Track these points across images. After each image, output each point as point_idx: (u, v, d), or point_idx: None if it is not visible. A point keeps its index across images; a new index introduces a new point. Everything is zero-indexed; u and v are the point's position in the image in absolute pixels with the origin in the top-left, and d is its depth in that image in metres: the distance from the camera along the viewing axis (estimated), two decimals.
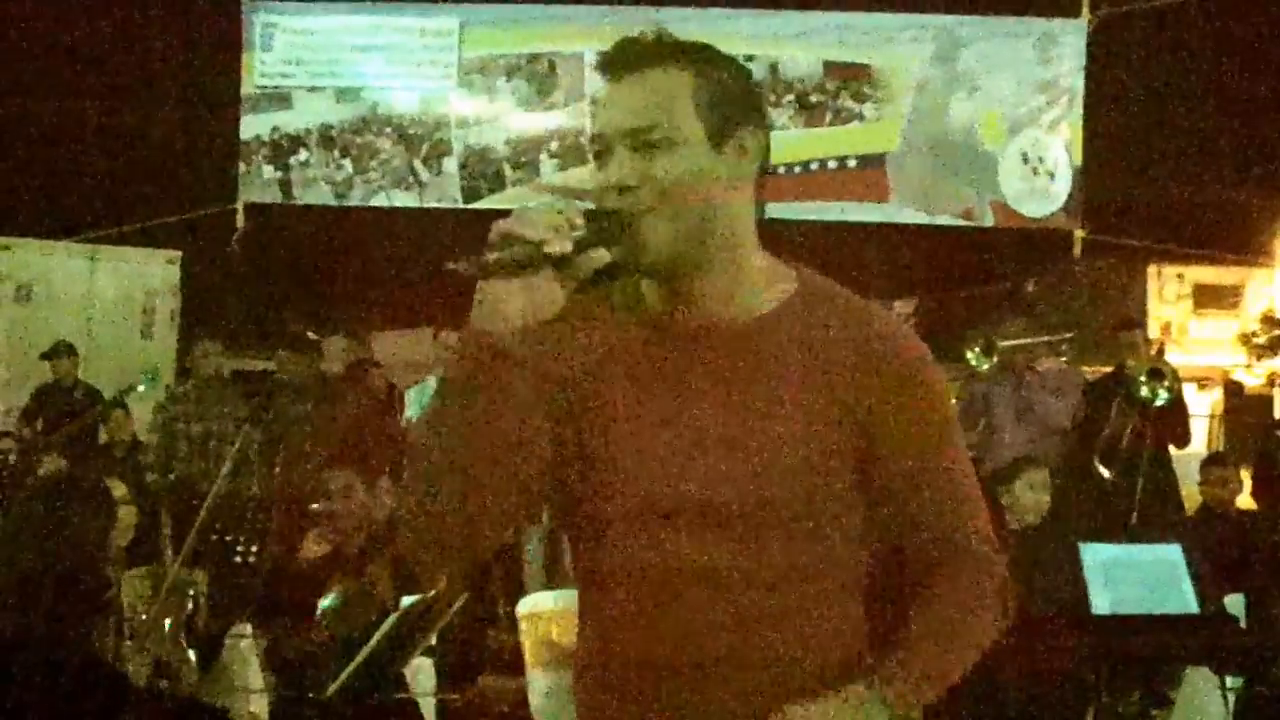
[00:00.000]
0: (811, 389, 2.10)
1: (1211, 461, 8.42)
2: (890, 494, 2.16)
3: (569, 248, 1.97)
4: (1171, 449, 8.59)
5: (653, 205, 2.07)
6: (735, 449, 2.09)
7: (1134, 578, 5.69)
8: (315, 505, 6.10)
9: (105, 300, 12.20)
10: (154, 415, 9.22)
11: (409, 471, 2.08)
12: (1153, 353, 8.49)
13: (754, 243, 2.20)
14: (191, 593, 5.70)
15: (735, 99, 2.15)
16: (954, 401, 8.62)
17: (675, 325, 2.15)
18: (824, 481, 2.10)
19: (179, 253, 12.51)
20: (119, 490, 5.99)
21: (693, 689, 2.09)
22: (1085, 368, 9.51)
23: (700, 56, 2.15)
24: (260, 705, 5.96)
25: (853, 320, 2.16)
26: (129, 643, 5.40)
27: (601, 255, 2.01)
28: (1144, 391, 7.99)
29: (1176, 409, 8.41)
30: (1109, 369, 9.02)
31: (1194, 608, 5.66)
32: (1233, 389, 10.24)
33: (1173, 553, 5.82)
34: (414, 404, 8.83)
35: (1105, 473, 8.03)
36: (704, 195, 2.10)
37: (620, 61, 2.14)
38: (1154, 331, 12.79)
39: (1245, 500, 8.61)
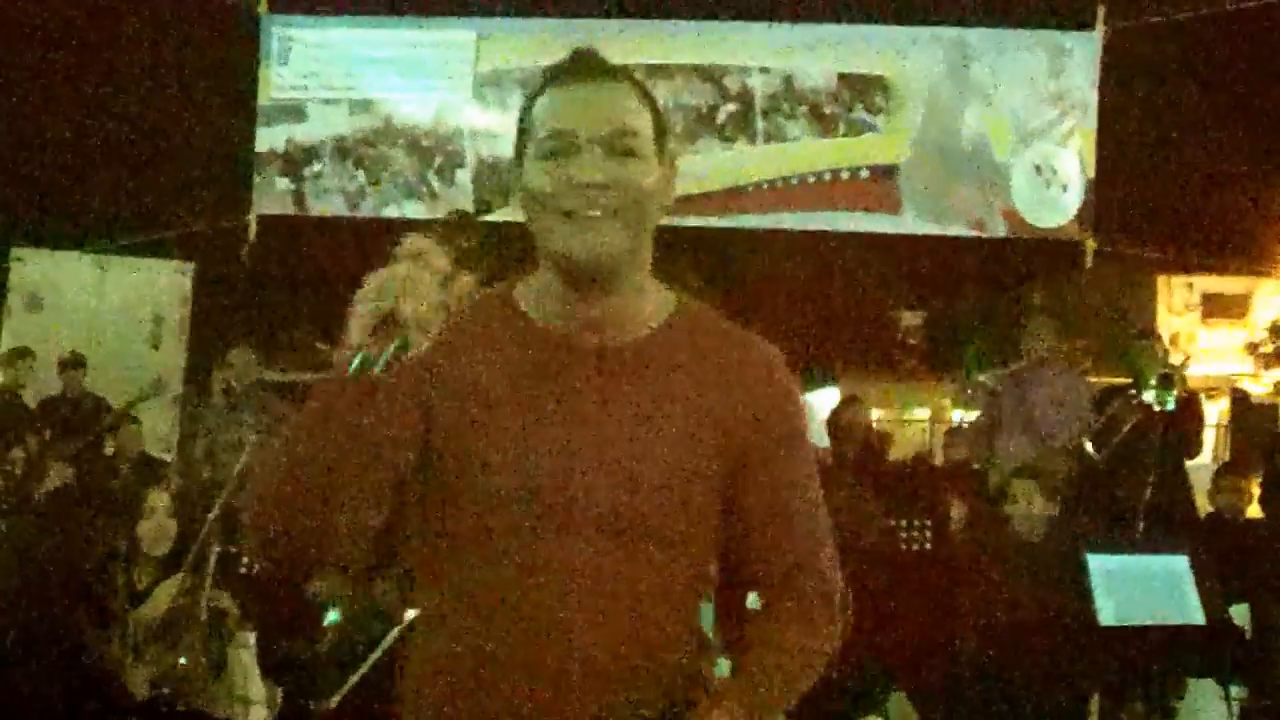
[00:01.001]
0: (684, 410, 2.17)
1: (1225, 471, 8.41)
2: (746, 519, 2.23)
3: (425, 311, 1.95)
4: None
5: (618, 208, 2.11)
6: (607, 463, 2.13)
7: (1140, 588, 5.69)
8: None
9: (114, 310, 12.24)
10: (184, 424, 9.24)
11: (269, 457, 2.05)
12: (1176, 363, 8.45)
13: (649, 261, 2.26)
14: (212, 604, 5.70)
15: (667, 127, 2.23)
16: (960, 413, 8.61)
17: (562, 336, 2.19)
18: (690, 500, 2.16)
19: (189, 263, 12.55)
20: (161, 501, 6.02)
21: (545, 692, 2.12)
22: (1095, 378, 9.48)
23: (637, 79, 2.23)
24: (261, 715, 5.98)
25: (727, 346, 2.23)
26: (134, 652, 5.41)
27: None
28: (1152, 396, 7.98)
29: (1191, 417, 8.39)
30: (1121, 379, 8.99)
31: (1199, 619, 5.65)
32: (1240, 398, 10.22)
33: (1179, 563, 5.81)
34: None
35: (1093, 451, 7.99)
36: (655, 208, 2.17)
37: (590, 67, 2.19)
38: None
39: (1252, 509, 8.59)
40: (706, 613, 2.29)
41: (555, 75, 2.19)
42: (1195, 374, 9.21)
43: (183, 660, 5.43)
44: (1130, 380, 8.63)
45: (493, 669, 2.13)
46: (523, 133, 2.21)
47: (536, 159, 2.15)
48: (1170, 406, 7.93)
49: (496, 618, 2.13)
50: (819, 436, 8.65)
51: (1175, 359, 8.71)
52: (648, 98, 2.20)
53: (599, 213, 2.10)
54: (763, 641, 2.23)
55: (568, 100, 2.16)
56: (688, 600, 2.21)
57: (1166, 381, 8.03)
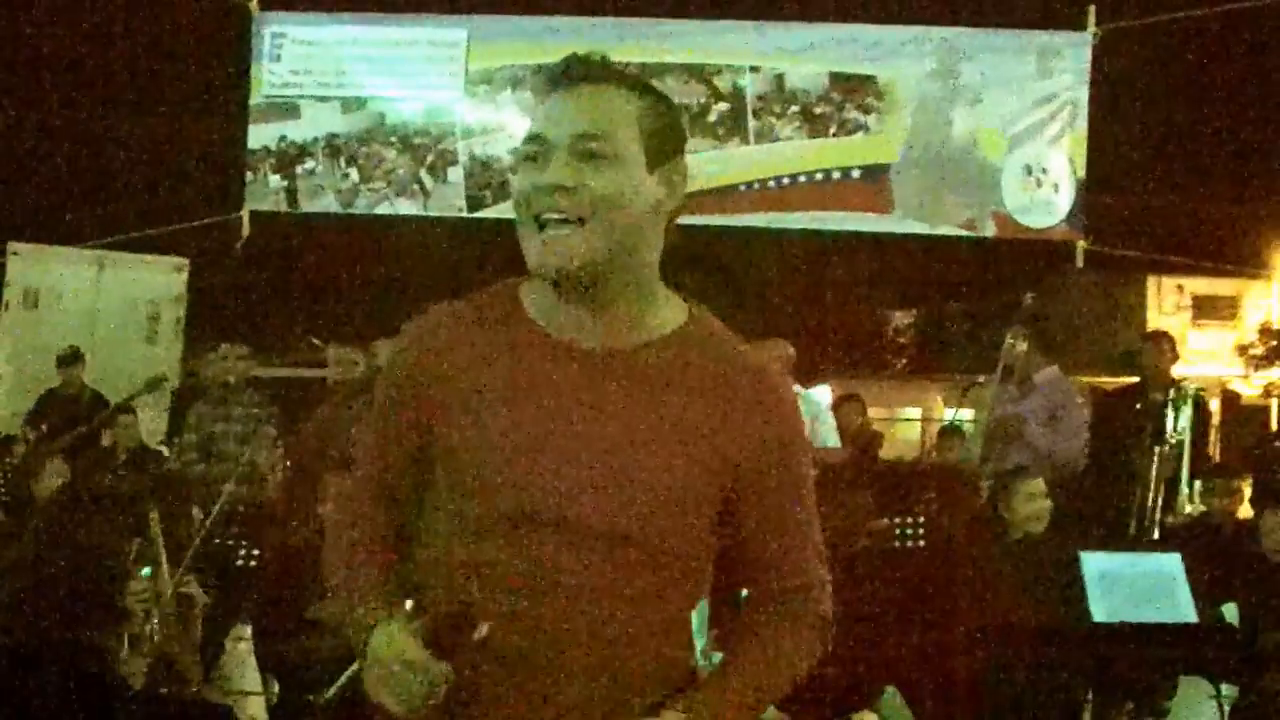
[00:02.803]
0: (685, 420, 2.16)
1: (1216, 472, 8.44)
2: (744, 533, 2.24)
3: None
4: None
5: (584, 213, 2.10)
6: (605, 469, 2.13)
7: (1133, 586, 5.69)
8: (320, 511, 6.13)
9: (111, 306, 12.22)
10: (177, 419, 9.24)
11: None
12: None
13: (656, 271, 2.23)
14: (192, 595, 5.71)
15: (670, 130, 2.21)
16: (956, 413, 8.63)
17: (564, 341, 2.19)
18: (685, 510, 2.16)
19: (185, 260, 12.54)
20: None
21: (532, 693, 2.14)
22: (1087, 378, 9.50)
23: (642, 84, 2.22)
24: (258, 707, 5.99)
25: (733, 361, 2.22)
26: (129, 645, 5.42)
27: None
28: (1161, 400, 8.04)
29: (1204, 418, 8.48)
30: (1113, 379, 9.00)
31: (1192, 617, 5.67)
32: (1230, 399, 10.28)
33: (1171, 562, 5.82)
34: None
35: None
36: (633, 214, 2.14)
37: (571, 74, 2.17)
38: None
39: (1243, 510, 8.62)
40: (701, 608, 2.32)
41: (546, 80, 2.18)
42: (1185, 375, 9.24)
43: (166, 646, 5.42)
44: (1136, 381, 8.68)
45: (489, 673, 2.13)
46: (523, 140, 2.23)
47: (518, 164, 2.16)
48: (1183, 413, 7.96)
49: (490, 619, 2.13)
50: (832, 436, 8.66)
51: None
52: (641, 100, 2.18)
53: (562, 216, 2.10)
54: (752, 645, 2.26)
55: (546, 106, 2.16)
56: (679, 606, 2.21)
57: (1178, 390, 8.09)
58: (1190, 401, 8.09)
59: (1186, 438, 8.13)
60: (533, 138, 2.14)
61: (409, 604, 2.11)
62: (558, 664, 2.13)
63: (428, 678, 2.06)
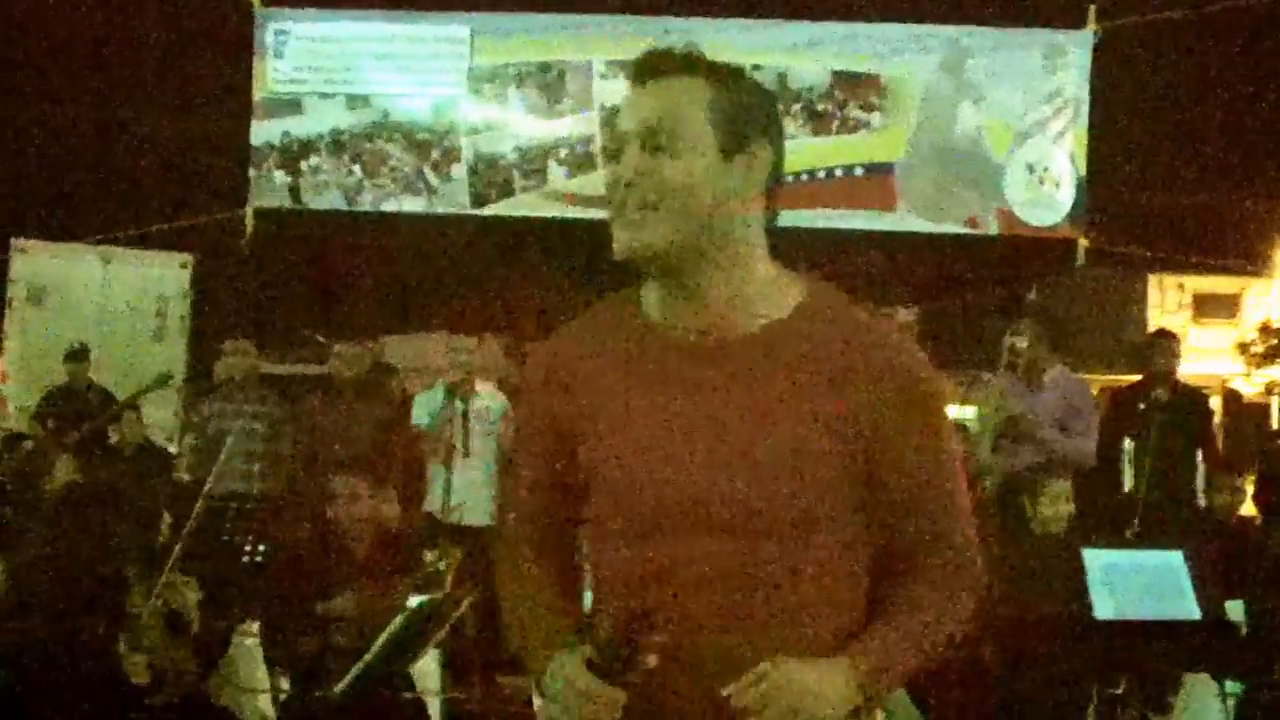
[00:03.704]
0: (815, 400, 2.18)
1: (1219, 469, 8.46)
2: (890, 503, 2.25)
3: None
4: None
5: (654, 202, 2.16)
6: (739, 458, 2.17)
7: (1137, 583, 5.71)
8: (328, 509, 6.15)
9: (117, 303, 12.24)
10: (186, 415, 9.26)
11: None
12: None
13: (762, 252, 2.28)
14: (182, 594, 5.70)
15: (751, 114, 2.23)
16: (959, 410, 8.64)
17: (679, 334, 2.23)
18: (825, 491, 2.19)
19: (191, 256, 12.56)
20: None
21: (690, 688, 2.16)
22: (1088, 375, 9.51)
23: (721, 71, 2.24)
24: (266, 704, 6.01)
25: (859, 333, 2.24)
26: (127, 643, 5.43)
27: None
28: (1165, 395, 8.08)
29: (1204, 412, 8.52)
30: (1114, 377, 9.01)
31: (1196, 614, 5.69)
32: (1231, 397, 10.29)
33: (1175, 559, 5.84)
34: (422, 409, 8.83)
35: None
36: (708, 201, 2.18)
37: (645, 69, 2.23)
38: None
39: (1246, 507, 8.65)
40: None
41: (628, 77, 2.26)
42: (1186, 373, 9.27)
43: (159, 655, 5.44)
44: (1139, 379, 8.70)
45: (660, 682, 2.15)
46: None
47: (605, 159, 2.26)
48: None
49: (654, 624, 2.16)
50: None
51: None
52: (714, 89, 2.20)
53: (634, 206, 2.16)
54: (913, 608, 2.27)
55: (623, 106, 2.24)
56: (837, 582, 2.23)
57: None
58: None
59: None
60: (613, 134, 2.21)
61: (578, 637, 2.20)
62: (705, 659, 2.16)
63: (599, 705, 2.11)
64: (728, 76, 2.24)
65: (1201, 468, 8.71)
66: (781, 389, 2.18)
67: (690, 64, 2.22)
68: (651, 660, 2.10)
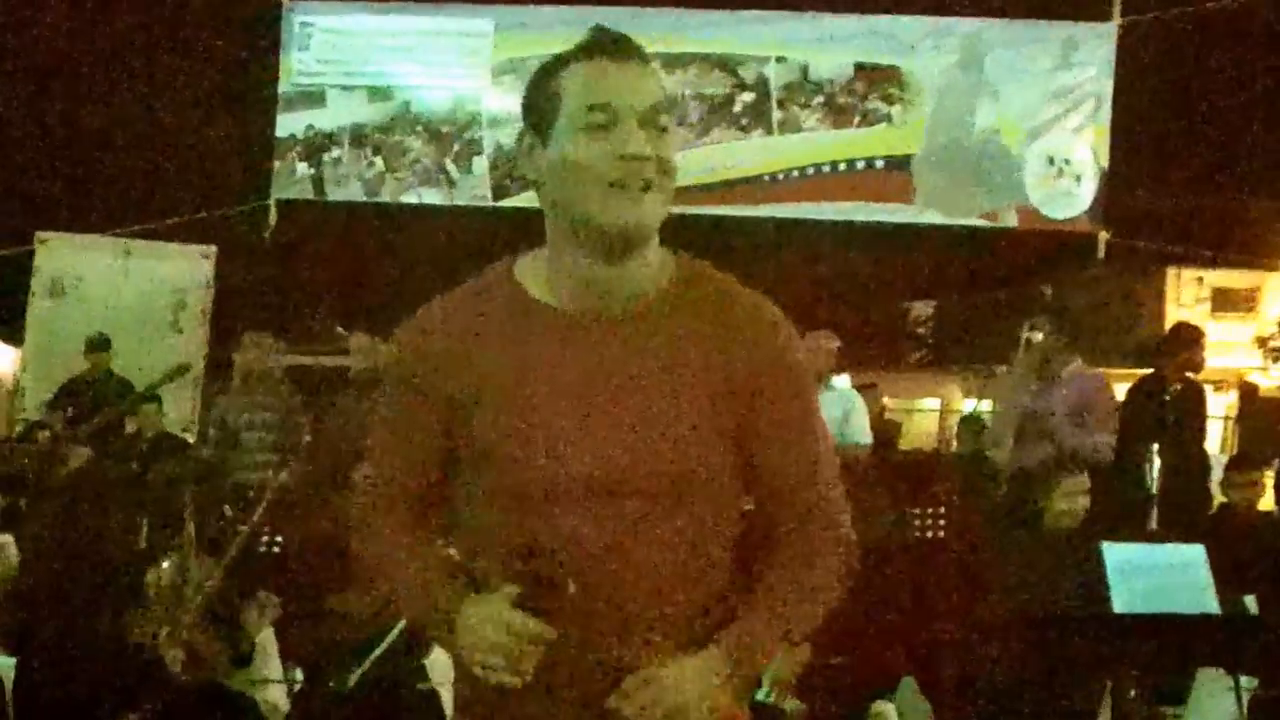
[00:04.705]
0: (691, 370, 2.26)
1: (1236, 464, 8.43)
2: (760, 466, 2.32)
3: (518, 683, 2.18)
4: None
5: (652, 181, 2.20)
6: (625, 429, 2.23)
7: (1155, 577, 5.70)
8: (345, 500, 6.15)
9: (137, 295, 12.29)
10: (205, 407, 9.29)
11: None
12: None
13: None
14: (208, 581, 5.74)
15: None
16: (976, 404, 8.63)
17: (564, 313, 2.28)
18: (706, 457, 2.26)
19: (212, 248, 12.60)
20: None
21: (576, 654, 2.22)
22: (1105, 370, 9.48)
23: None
24: (280, 695, 6.04)
25: (727, 304, 2.31)
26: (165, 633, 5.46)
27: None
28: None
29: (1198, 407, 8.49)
30: (1130, 371, 8.98)
31: (1214, 608, 5.67)
32: (1248, 391, 10.26)
33: (1194, 553, 5.82)
34: None
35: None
36: (674, 181, 2.26)
37: (623, 46, 2.27)
38: None
39: (1265, 501, 8.62)
40: None
41: (586, 49, 2.26)
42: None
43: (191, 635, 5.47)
44: (1152, 373, 8.68)
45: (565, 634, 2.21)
46: (546, 104, 2.26)
47: (573, 131, 2.22)
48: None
49: (526, 585, 2.21)
50: (863, 435, 8.67)
51: None
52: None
53: (641, 184, 2.19)
54: (781, 577, 2.33)
55: (604, 74, 2.24)
56: (717, 548, 2.31)
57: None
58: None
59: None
60: (600, 106, 2.21)
61: (506, 585, 2.20)
62: (610, 620, 2.23)
63: (536, 638, 2.17)
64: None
65: (1217, 462, 8.69)
66: (663, 360, 2.25)
67: (642, 50, 2.29)
68: (572, 587, 2.17)
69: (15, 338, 12.61)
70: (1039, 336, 7.85)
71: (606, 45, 2.26)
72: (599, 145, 2.20)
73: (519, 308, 2.30)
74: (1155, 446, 7.94)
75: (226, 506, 6.43)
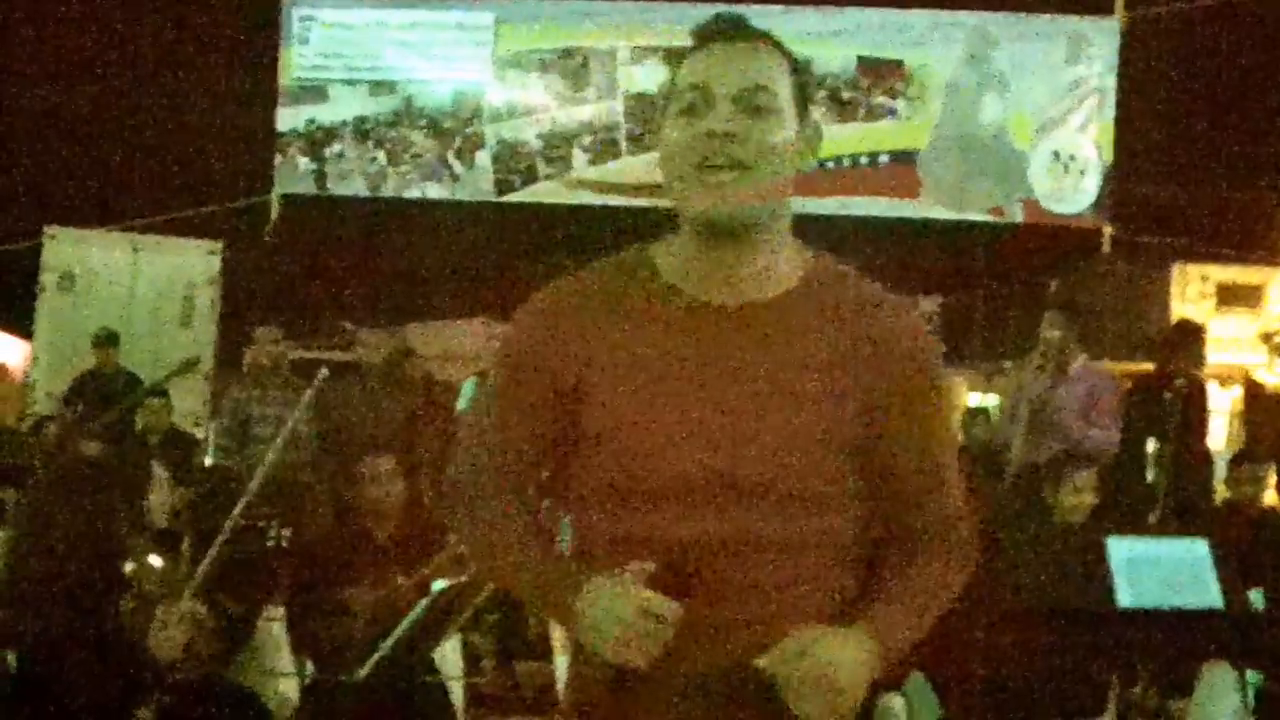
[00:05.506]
0: (822, 368, 2.21)
1: (1241, 459, 8.44)
2: (890, 473, 2.27)
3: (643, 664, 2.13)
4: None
5: (745, 162, 2.17)
6: (748, 425, 2.19)
7: (1160, 572, 5.71)
8: (354, 492, 6.17)
9: (146, 289, 12.32)
10: (215, 401, 9.31)
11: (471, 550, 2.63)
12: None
13: (789, 224, 2.31)
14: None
15: (809, 89, 2.31)
16: (982, 399, 8.64)
17: (704, 298, 2.24)
18: (830, 458, 2.21)
19: (220, 243, 12.62)
20: (164, 474, 6.08)
21: (693, 654, 2.17)
22: (1110, 364, 9.49)
23: (784, 45, 2.31)
24: (290, 688, 6.04)
25: (865, 304, 2.27)
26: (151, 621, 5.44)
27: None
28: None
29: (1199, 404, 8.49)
30: (1135, 366, 8.99)
31: (1219, 603, 5.68)
32: (1253, 387, 10.27)
33: (1200, 548, 5.83)
34: (463, 396, 8.87)
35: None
36: (785, 167, 2.23)
37: (727, 27, 2.27)
38: None
39: (1270, 497, 8.64)
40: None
41: (697, 37, 2.27)
42: (1208, 363, 9.24)
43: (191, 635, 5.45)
44: (1155, 367, 8.69)
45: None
46: (666, 97, 2.27)
47: (674, 116, 2.22)
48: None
49: (651, 584, 2.16)
50: None
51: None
52: (788, 59, 2.26)
53: (726, 161, 2.16)
54: (910, 577, 2.29)
55: (706, 59, 2.24)
56: (835, 555, 2.25)
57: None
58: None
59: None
60: (694, 87, 2.21)
61: (640, 565, 2.15)
62: (716, 627, 2.17)
63: (669, 619, 2.11)
64: (788, 50, 2.30)
65: (1220, 458, 8.70)
66: (790, 357, 2.21)
67: (765, 33, 2.28)
68: (693, 578, 2.14)
69: (25, 331, 12.61)
70: (1057, 334, 7.86)
71: (716, 28, 2.26)
72: (691, 125, 2.19)
73: (653, 290, 2.26)
74: (1157, 442, 7.95)
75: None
